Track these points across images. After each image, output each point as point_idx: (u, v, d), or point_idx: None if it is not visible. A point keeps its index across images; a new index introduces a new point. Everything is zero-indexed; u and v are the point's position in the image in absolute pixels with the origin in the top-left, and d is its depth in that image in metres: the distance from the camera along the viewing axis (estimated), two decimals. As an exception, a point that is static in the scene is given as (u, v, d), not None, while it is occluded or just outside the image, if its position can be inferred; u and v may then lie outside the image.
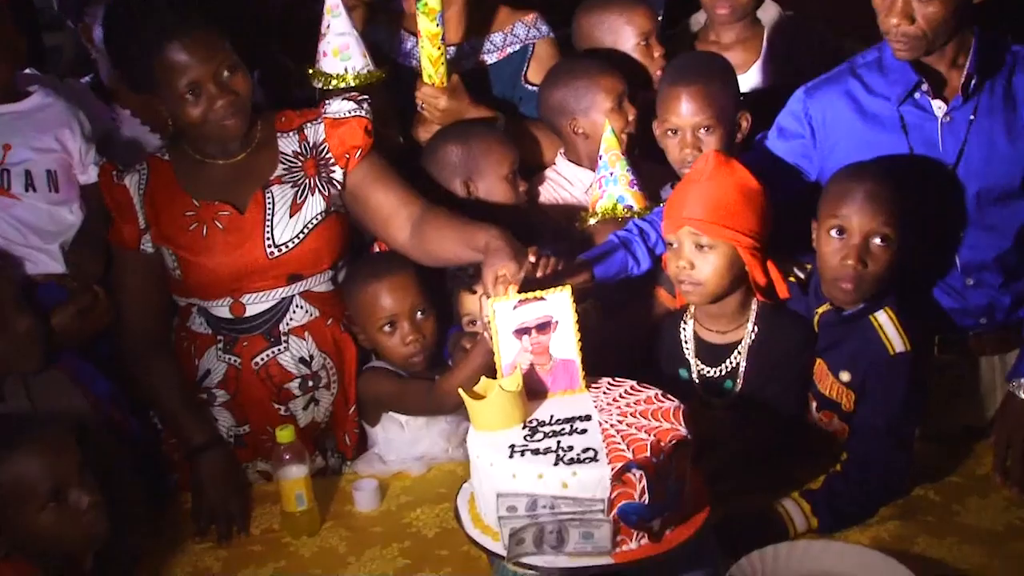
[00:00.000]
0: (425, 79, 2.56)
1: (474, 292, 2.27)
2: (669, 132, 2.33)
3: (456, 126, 2.54)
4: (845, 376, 2.07)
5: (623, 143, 2.44)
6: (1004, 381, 2.18)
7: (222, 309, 2.31)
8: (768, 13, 2.77)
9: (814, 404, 2.15)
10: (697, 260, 2.07)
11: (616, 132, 2.43)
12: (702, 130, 2.29)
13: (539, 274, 2.00)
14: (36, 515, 1.81)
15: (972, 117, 2.13)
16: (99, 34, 2.54)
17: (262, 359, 2.32)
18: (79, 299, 2.36)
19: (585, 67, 2.57)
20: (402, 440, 2.35)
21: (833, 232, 2.03)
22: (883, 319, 2.04)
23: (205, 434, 2.30)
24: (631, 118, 2.51)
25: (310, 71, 2.56)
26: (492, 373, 1.95)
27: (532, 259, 1.98)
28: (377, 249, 2.48)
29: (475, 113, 2.60)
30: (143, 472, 2.31)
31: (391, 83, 2.63)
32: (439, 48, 2.51)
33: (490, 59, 2.78)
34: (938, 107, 2.13)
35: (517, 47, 2.78)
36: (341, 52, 2.52)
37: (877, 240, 2.00)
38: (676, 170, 2.35)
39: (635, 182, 2.37)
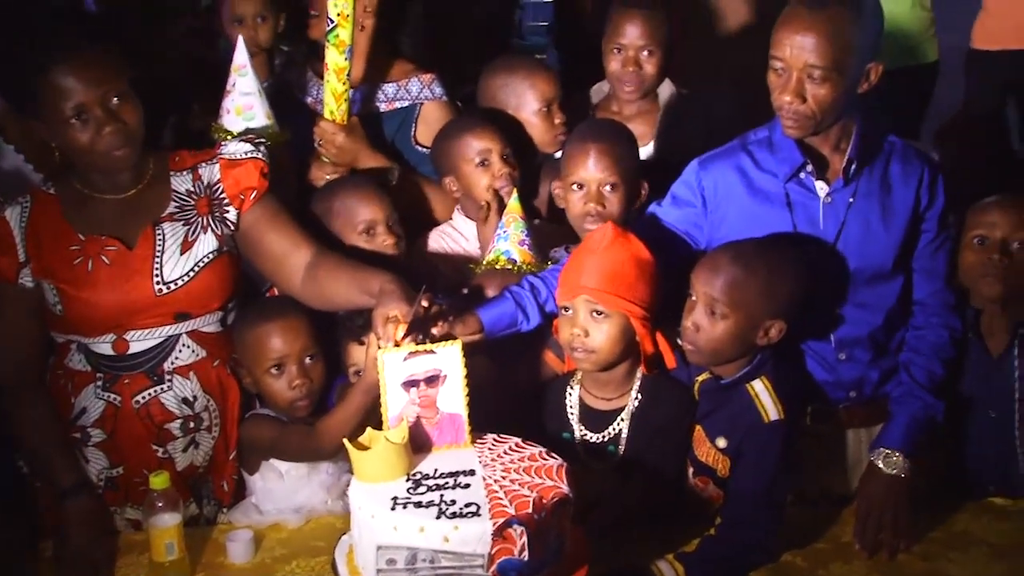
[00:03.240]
0: (326, 114, 2.57)
1: (362, 343, 2.27)
2: (574, 187, 2.39)
3: (331, 182, 2.55)
4: (721, 442, 2.12)
5: (490, 202, 2.49)
6: (868, 452, 2.25)
7: (104, 346, 2.25)
8: (664, 91, 2.86)
9: (691, 470, 2.19)
10: (591, 328, 2.11)
11: (485, 188, 2.49)
12: (607, 187, 2.37)
13: (431, 317, 2.00)
14: None
15: (851, 200, 2.23)
16: None
17: (143, 398, 2.27)
18: None
19: (451, 127, 2.62)
20: (281, 490, 2.31)
21: (693, 297, 2.11)
22: (759, 388, 2.11)
23: (74, 477, 2.22)
24: (500, 174, 2.54)
25: (212, 125, 2.55)
26: (375, 420, 1.95)
27: (424, 303, 1.99)
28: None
29: (369, 157, 2.62)
30: (3, 514, 2.22)
31: (297, 126, 2.63)
32: (343, 84, 2.53)
33: (379, 108, 2.80)
34: (820, 188, 2.23)
35: (406, 103, 2.81)
36: (244, 111, 2.53)
37: (721, 307, 2.06)
38: (575, 226, 2.42)
39: (525, 242, 2.41)
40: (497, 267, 2.37)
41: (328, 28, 2.48)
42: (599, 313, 2.11)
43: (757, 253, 2.12)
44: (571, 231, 2.48)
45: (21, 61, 2.15)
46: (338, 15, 2.47)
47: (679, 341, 2.14)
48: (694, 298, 2.11)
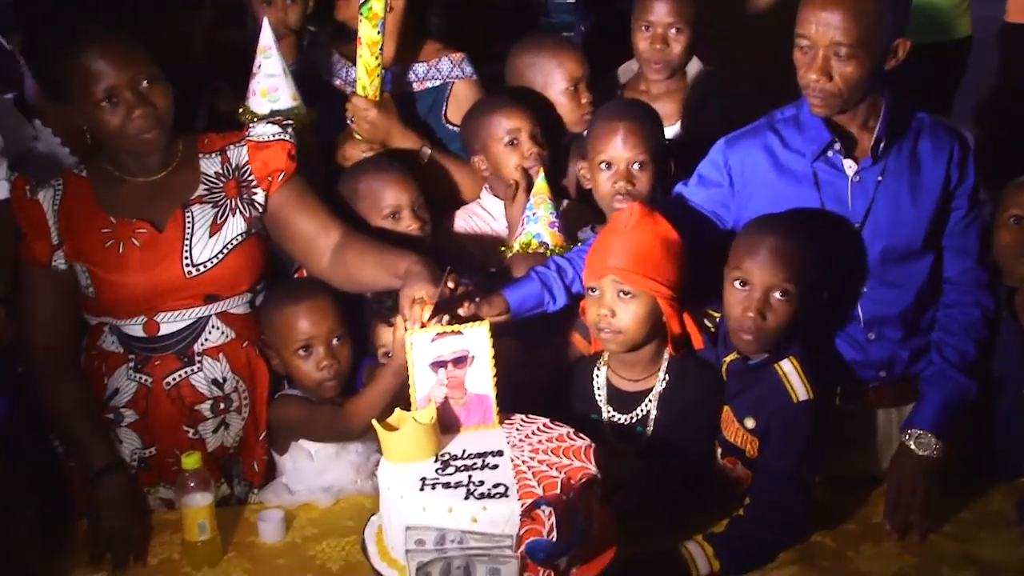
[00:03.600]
0: (359, 90, 2.56)
1: (391, 325, 2.27)
2: (603, 166, 2.38)
3: (358, 164, 2.55)
4: (750, 423, 2.11)
5: (520, 181, 2.48)
6: (899, 432, 2.24)
7: (135, 328, 2.27)
8: (692, 69, 2.85)
9: (719, 450, 2.19)
10: (618, 308, 2.11)
11: (514, 168, 2.48)
12: (636, 165, 2.36)
13: (457, 298, 2.01)
14: None
15: (880, 178, 2.21)
16: None
17: (174, 379, 2.28)
18: None
19: (482, 105, 2.61)
20: (310, 470, 2.32)
21: (737, 283, 2.09)
22: (788, 368, 2.10)
23: (108, 457, 2.25)
24: (529, 153, 2.52)
25: (240, 108, 2.56)
26: (403, 401, 1.96)
27: (451, 284, 1.99)
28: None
29: (401, 135, 2.62)
30: (39, 493, 2.25)
31: (324, 108, 2.63)
32: (376, 58, 2.51)
33: (411, 87, 2.80)
34: (849, 166, 2.21)
35: (437, 82, 2.81)
36: (270, 93, 2.54)
37: (777, 294, 2.06)
38: (603, 205, 2.41)
39: (555, 223, 2.41)
40: (529, 251, 2.36)
41: (361, 1, 2.46)
42: (626, 293, 2.10)
43: (795, 224, 2.12)
44: (598, 211, 2.47)
45: (53, 46, 2.18)
46: None
47: (733, 330, 2.11)
48: (746, 288, 2.07)
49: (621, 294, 2.10)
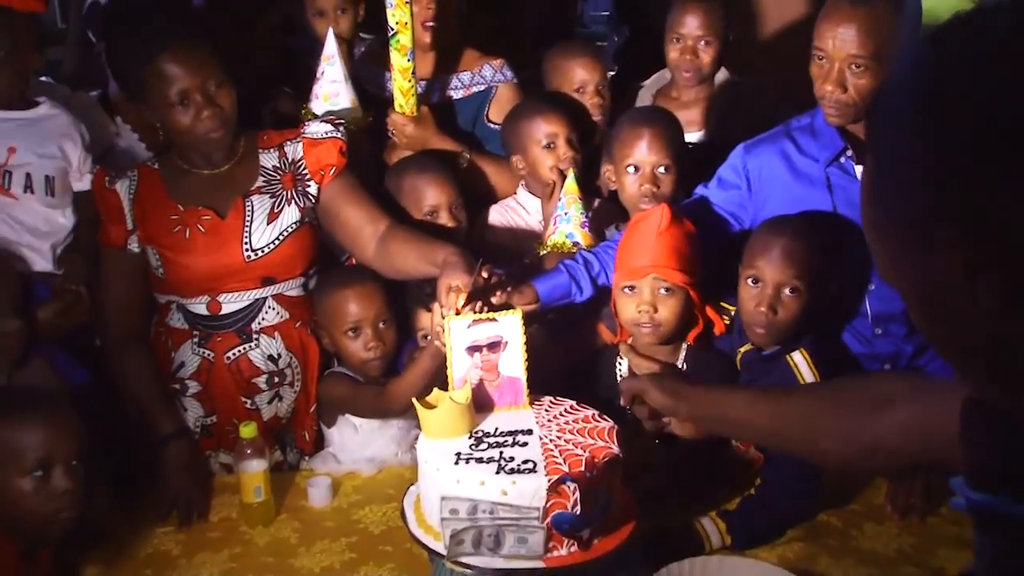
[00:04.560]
0: (396, 108, 2.57)
1: (430, 310, 2.24)
2: (629, 169, 2.34)
3: (404, 161, 2.53)
4: (763, 409, 2.08)
5: (555, 182, 2.43)
6: (902, 422, 2.21)
7: (199, 306, 2.27)
8: (718, 77, 2.80)
9: (733, 434, 2.16)
10: (660, 304, 2.07)
11: (550, 169, 2.44)
12: (661, 168, 2.31)
13: (490, 287, 1.98)
14: (14, 479, 1.74)
15: (889, 183, 2.17)
16: None
17: (234, 354, 2.28)
18: (63, 297, 2.34)
19: (523, 109, 2.58)
20: (355, 442, 2.31)
21: (749, 281, 2.05)
22: (799, 359, 2.05)
23: (173, 424, 2.25)
24: (564, 157, 2.48)
25: (302, 108, 2.57)
26: (441, 381, 1.94)
27: (484, 275, 1.97)
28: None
29: (439, 143, 2.60)
30: (112, 456, 2.26)
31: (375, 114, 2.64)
32: (409, 81, 2.53)
33: (456, 95, 2.78)
34: (860, 171, 2.16)
35: (482, 87, 2.78)
36: (331, 98, 2.56)
37: (788, 291, 2.02)
38: (628, 205, 2.37)
39: (586, 223, 2.37)
40: (564, 251, 2.31)
41: (390, 35, 2.48)
42: (667, 290, 2.06)
43: (804, 225, 2.08)
44: (623, 210, 2.42)
45: (133, 52, 2.20)
46: (397, 23, 2.46)
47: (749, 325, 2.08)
48: (758, 285, 2.03)
49: (662, 290, 2.06)
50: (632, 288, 2.09)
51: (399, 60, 2.49)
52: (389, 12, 2.46)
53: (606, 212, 2.51)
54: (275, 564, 2.00)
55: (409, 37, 2.47)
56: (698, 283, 2.09)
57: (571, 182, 2.39)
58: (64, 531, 1.82)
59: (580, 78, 2.66)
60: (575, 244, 2.33)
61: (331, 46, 2.57)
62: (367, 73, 2.79)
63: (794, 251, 2.02)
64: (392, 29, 2.47)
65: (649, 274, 2.07)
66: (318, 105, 2.57)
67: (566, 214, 2.35)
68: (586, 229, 2.36)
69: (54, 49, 3.46)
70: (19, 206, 2.39)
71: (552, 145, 2.50)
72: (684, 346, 2.15)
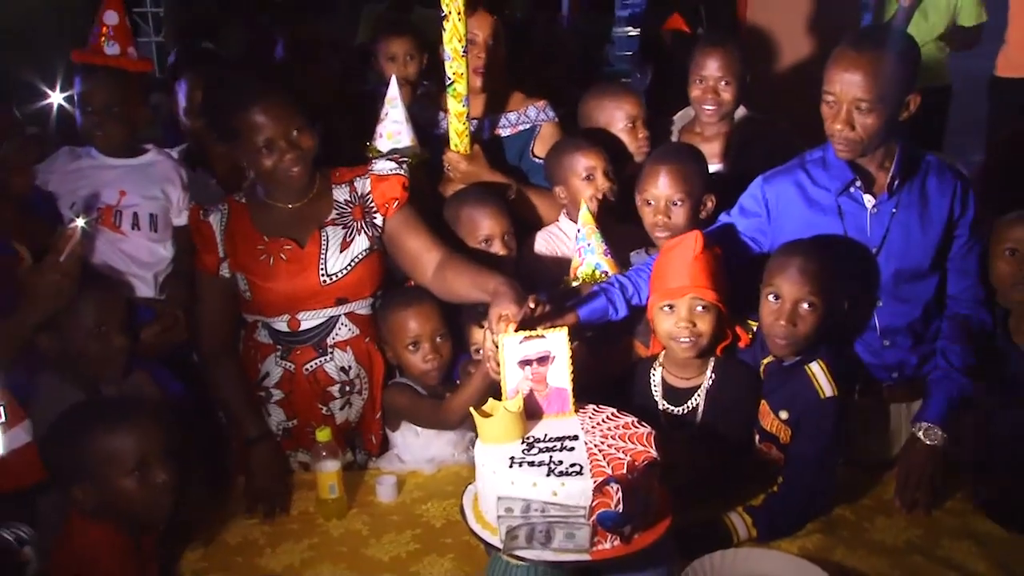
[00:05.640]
0: (452, 147, 2.58)
1: (482, 327, 2.23)
2: (647, 202, 2.34)
3: (461, 193, 2.54)
4: (783, 414, 2.06)
5: (593, 211, 2.41)
6: (908, 425, 2.18)
7: (281, 324, 2.30)
8: (738, 113, 2.79)
9: (757, 437, 2.14)
10: (698, 320, 2.07)
11: (586, 203, 2.42)
12: (673, 203, 2.31)
13: (536, 316, 1.99)
14: (121, 480, 1.80)
15: (894, 210, 2.14)
16: None
17: (312, 366, 2.31)
18: (164, 320, 2.40)
19: (565, 145, 2.58)
20: (416, 444, 2.33)
21: (770, 297, 2.04)
22: (816, 369, 2.04)
23: (259, 428, 2.29)
24: (602, 187, 2.48)
25: (367, 146, 2.59)
26: (495, 394, 1.95)
27: (531, 304, 1.97)
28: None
29: (491, 177, 2.61)
30: (205, 457, 2.30)
31: (431, 151, 2.66)
32: (464, 124, 2.54)
33: (504, 132, 2.79)
34: (868, 200, 2.15)
35: (527, 126, 2.79)
36: (394, 136, 2.57)
37: (805, 305, 2.01)
38: (649, 233, 2.37)
39: (608, 251, 2.34)
40: (595, 280, 2.30)
41: (447, 83, 2.50)
42: (704, 308, 2.06)
43: (818, 247, 2.08)
44: (645, 234, 2.41)
45: (228, 104, 2.24)
46: (454, 74, 2.48)
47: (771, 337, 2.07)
48: (778, 301, 2.03)
49: (699, 308, 2.07)
50: (671, 307, 2.09)
51: (455, 106, 2.52)
52: (447, 64, 2.48)
53: (631, 235, 2.50)
54: (349, 554, 2.02)
55: (464, 86, 2.49)
56: (726, 301, 2.08)
57: (585, 213, 2.37)
58: (164, 518, 1.87)
59: (629, 115, 2.66)
60: (604, 274, 2.31)
61: (394, 89, 2.58)
62: (424, 114, 2.82)
63: (809, 270, 2.02)
64: (450, 79, 2.49)
65: (687, 294, 2.06)
66: (382, 143, 2.59)
67: (589, 245, 2.33)
68: (609, 257, 2.34)
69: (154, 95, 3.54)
70: (127, 241, 2.46)
71: (591, 177, 2.50)
72: (712, 359, 2.15)
